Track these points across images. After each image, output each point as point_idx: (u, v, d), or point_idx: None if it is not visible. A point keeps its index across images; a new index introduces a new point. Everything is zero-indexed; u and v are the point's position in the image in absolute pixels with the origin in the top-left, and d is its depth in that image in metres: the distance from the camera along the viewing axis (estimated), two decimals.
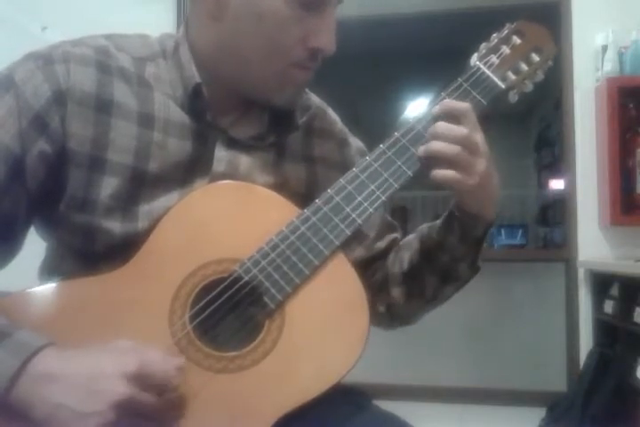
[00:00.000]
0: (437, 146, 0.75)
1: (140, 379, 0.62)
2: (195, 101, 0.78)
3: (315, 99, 0.93)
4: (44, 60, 0.75)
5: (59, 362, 0.63)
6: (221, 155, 0.79)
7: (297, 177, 0.84)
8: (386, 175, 0.77)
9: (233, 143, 0.80)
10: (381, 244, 0.92)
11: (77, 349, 0.65)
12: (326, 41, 0.76)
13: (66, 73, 0.74)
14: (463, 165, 0.75)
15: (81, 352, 0.65)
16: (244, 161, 0.80)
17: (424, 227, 0.89)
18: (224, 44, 0.77)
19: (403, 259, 0.89)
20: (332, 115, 0.94)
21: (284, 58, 0.76)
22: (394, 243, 0.93)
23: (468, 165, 0.75)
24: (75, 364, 0.63)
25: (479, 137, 0.76)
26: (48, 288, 0.74)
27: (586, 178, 2.60)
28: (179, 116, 0.78)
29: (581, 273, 2.60)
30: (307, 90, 0.91)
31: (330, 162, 0.88)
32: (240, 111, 0.82)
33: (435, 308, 0.92)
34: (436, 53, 3.76)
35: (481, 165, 0.75)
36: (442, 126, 0.76)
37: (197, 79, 0.77)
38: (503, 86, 0.82)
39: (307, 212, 0.75)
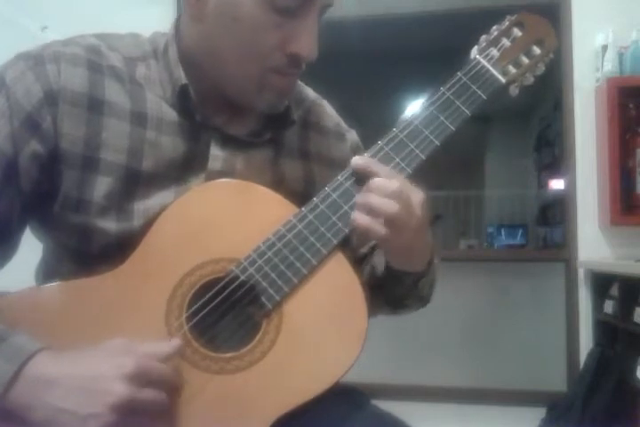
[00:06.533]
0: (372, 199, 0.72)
1: (138, 379, 0.62)
2: (184, 102, 0.78)
3: (310, 92, 0.92)
4: (35, 60, 0.75)
5: (55, 366, 0.63)
6: (217, 153, 0.78)
7: (294, 175, 0.84)
8: None
9: (229, 141, 0.79)
10: (364, 249, 0.92)
11: (72, 351, 0.64)
12: (305, 46, 0.74)
13: (57, 73, 0.74)
14: (397, 224, 0.72)
15: (76, 355, 0.64)
16: (241, 159, 0.80)
17: (376, 254, 0.88)
18: (204, 45, 0.76)
19: (364, 273, 0.89)
20: (329, 109, 0.93)
21: (262, 62, 0.74)
22: (375, 248, 0.91)
23: (400, 224, 0.72)
24: (71, 367, 0.63)
25: (411, 196, 0.73)
26: (44, 289, 0.74)
27: (586, 178, 2.60)
28: (171, 115, 0.78)
29: (581, 273, 2.59)
30: (301, 83, 0.90)
31: (326, 159, 0.88)
32: (233, 109, 0.81)
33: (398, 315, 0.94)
34: (435, 53, 3.75)
35: (412, 229, 0.73)
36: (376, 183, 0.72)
37: (183, 80, 0.77)
38: (503, 80, 0.81)
39: (304, 210, 0.74)
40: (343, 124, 0.94)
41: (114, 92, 0.76)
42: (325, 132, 0.90)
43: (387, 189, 0.72)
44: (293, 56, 0.74)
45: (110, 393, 0.61)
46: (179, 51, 0.79)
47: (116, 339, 0.66)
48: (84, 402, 0.61)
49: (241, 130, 0.81)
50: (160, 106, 0.78)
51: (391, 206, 0.71)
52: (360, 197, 0.73)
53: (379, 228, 0.72)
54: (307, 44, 0.74)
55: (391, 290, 0.85)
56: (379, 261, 0.86)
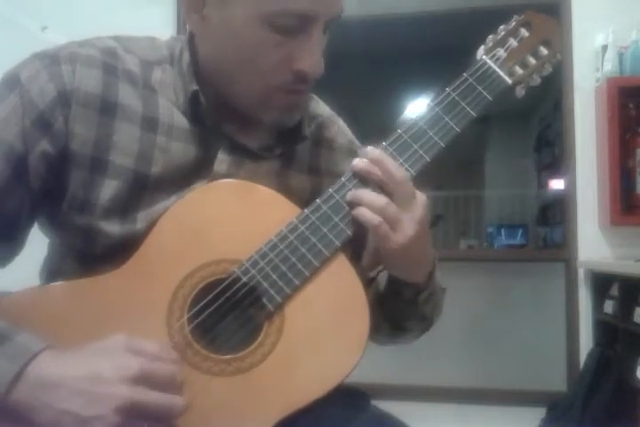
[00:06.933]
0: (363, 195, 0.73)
1: (142, 381, 0.62)
2: (195, 108, 0.77)
3: (324, 108, 0.91)
4: (51, 59, 0.75)
5: (57, 366, 0.63)
6: (223, 158, 0.78)
7: (301, 187, 0.83)
8: None
9: (237, 149, 0.79)
10: (373, 274, 0.89)
11: (75, 351, 0.64)
12: (310, 64, 0.73)
13: (71, 74, 0.74)
14: (391, 218, 0.72)
15: (80, 355, 0.64)
16: (248, 167, 0.79)
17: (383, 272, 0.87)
18: (212, 59, 0.76)
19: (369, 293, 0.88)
20: (342, 126, 0.92)
21: (267, 80, 0.74)
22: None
23: (396, 219, 0.72)
24: (74, 368, 0.63)
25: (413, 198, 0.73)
26: (46, 289, 0.74)
27: (586, 178, 2.60)
28: (182, 121, 0.78)
29: (581, 273, 2.59)
30: (315, 97, 0.90)
31: (336, 174, 0.86)
32: (243, 119, 0.80)
33: (402, 344, 0.91)
34: (435, 53, 3.76)
35: (412, 227, 0.73)
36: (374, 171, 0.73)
37: (195, 86, 0.77)
38: (510, 82, 0.80)
39: (306, 211, 0.74)
40: (356, 142, 0.92)
41: (127, 96, 0.76)
42: (337, 148, 0.89)
43: (381, 180, 0.73)
44: (298, 73, 0.73)
45: (114, 396, 0.60)
46: (191, 57, 0.79)
47: (116, 335, 0.66)
48: (87, 404, 0.60)
49: (251, 141, 0.81)
50: (172, 112, 0.78)
51: (376, 197, 0.73)
52: (351, 191, 0.75)
53: (370, 216, 0.72)
54: (311, 60, 0.73)
55: (391, 306, 0.82)
56: (382, 279, 0.85)
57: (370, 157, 0.74)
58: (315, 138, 0.87)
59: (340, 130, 0.91)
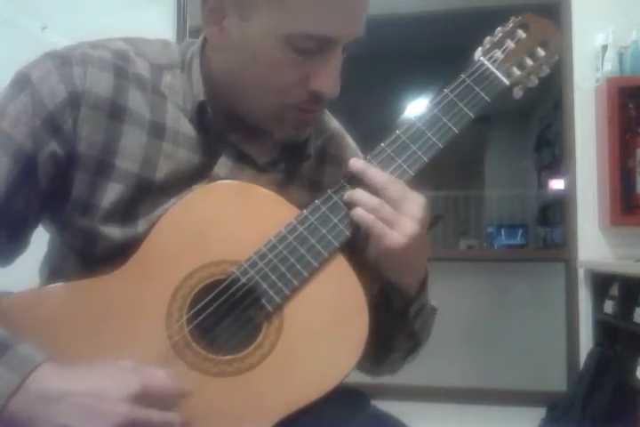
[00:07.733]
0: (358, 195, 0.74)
1: (143, 399, 0.62)
2: (201, 117, 0.77)
3: (333, 123, 0.91)
4: (62, 60, 0.74)
5: (58, 379, 0.62)
6: (225, 162, 0.78)
7: (301, 202, 0.81)
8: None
9: (241, 158, 0.79)
10: (372, 289, 0.89)
11: (77, 366, 0.64)
12: (327, 84, 0.72)
13: (83, 75, 0.74)
14: (386, 218, 0.72)
15: (82, 370, 0.64)
16: (248, 174, 0.79)
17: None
18: (225, 73, 0.76)
19: None
20: (349, 141, 0.92)
21: (281, 98, 0.73)
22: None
23: (391, 218, 0.72)
24: (76, 382, 0.62)
25: (407, 197, 0.73)
26: (46, 290, 0.74)
27: (586, 178, 2.60)
28: (188, 128, 0.78)
29: (581, 273, 2.59)
30: (327, 112, 0.89)
31: None
32: (250, 129, 0.80)
33: (385, 372, 0.91)
34: (435, 53, 3.75)
35: (409, 226, 0.72)
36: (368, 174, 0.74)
37: (202, 97, 0.76)
38: (507, 83, 0.81)
39: (305, 212, 0.74)
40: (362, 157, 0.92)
41: (136, 101, 0.76)
42: (343, 163, 0.86)
43: (372, 184, 0.74)
44: (314, 93, 0.73)
45: (115, 413, 0.60)
46: (202, 66, 0.78)
47: (123, 360, 0.65)
48: (87, 420, 0.60)
49: (256, 152, 0.80)
50: (179, 118, 0.77)
51: (369, 197, 0.73)
52: (348, 192, 0.75)
53: (364, 215, 0.73)
54: (328, 81, 0.72)
55: (382, 321, 0.79)
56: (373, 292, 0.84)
57: (354, 170, 0.75)
58: (320, 152, 0.86)
59: (347, 145, 0.91)
